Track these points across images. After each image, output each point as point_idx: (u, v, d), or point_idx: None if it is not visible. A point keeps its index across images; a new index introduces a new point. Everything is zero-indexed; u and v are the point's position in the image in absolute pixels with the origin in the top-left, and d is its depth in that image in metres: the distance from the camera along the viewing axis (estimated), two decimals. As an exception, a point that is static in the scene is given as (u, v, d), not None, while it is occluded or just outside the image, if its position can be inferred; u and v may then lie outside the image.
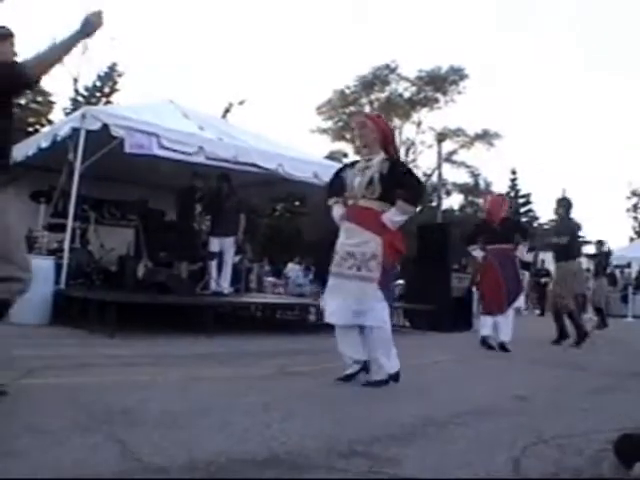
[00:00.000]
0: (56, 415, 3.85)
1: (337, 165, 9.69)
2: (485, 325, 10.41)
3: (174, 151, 10.59)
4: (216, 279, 12.52)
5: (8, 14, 38.19)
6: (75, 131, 10.25)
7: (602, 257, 19.61)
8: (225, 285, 12.64)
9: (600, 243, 19.69)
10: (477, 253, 10.64)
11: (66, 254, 10.21)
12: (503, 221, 10.61)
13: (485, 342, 10.27)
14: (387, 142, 6.10)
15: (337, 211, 6.19)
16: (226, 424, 3.88)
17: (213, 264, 12.52)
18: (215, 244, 12.65)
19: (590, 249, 20.53)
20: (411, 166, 54.27)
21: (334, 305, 5.88)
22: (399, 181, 5.88)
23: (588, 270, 19.61)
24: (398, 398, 5.32)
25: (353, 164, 6.27)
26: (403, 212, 5.84)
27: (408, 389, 5.82)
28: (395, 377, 5.85)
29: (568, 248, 11.89)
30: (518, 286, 10.74)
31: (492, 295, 10.32)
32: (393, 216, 5.80)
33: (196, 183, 12.60)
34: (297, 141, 61.41)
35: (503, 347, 10.06)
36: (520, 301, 11.84)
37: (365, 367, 5.96)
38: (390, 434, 3.90)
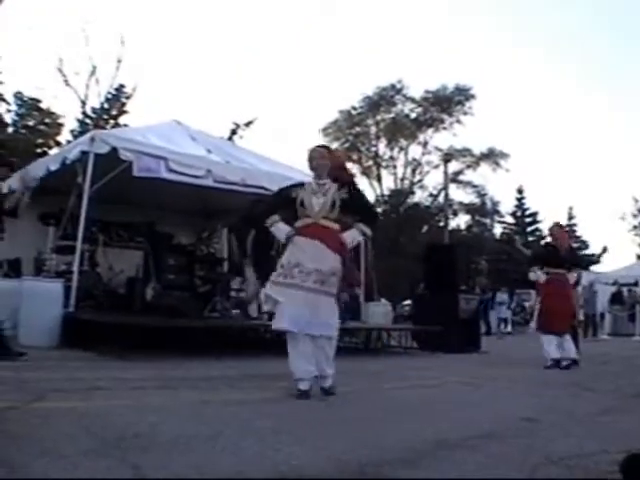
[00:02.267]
0: (69, 439, 3.88)
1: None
2: (551, 344, 10.87)
3: (182, 174, 10.67)
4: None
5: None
6: (84, 154, 10.34)
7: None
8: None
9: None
10: (537, 276, 11.26)
11: (75, 276, 10.23)
12: (570, 250, 11.68)
13: (558, 364, 10.67)
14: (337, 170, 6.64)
15: (283, 227, 6.58)
16: (237, 448, 3.90)
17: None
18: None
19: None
20: (417, 187, 54.56)
21: (291, 313, 6.16)
22: (357, 206, 6.62)
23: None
24: (407, 420, 5.34)
25: (302, 184, 6.76)
26: (363, 233, 6.59)
27: (417, 411, 5.86)
28: (332, 390, 6.41)
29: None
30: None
31: (557, 316, 10.90)
32: (356, 235, 6.56)
33: None
34: (302, 162, 61.05)
35: (575, 362, 10.82)
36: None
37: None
38: (400, 457, 3.92)
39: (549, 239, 11.80)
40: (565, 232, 12.12)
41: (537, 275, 11.13)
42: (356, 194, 6.64)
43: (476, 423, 5.32)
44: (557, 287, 10.97)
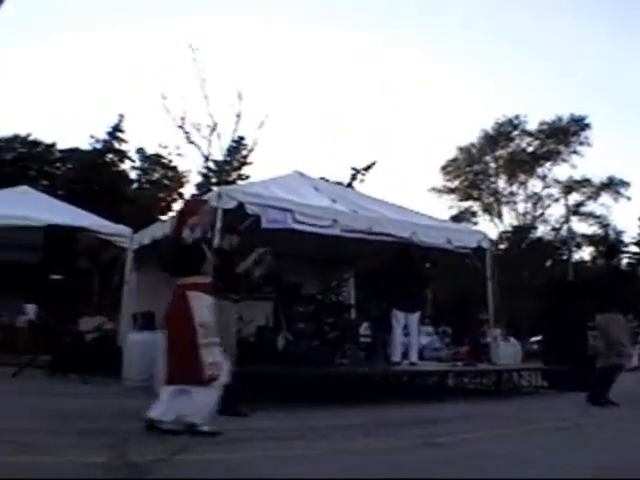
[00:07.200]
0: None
1: (468, 228, 9.71)
2: None
3: (309, 225, 10.89)
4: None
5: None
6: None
7: None
8: (414, 357, 12.77)
9: None
10: None
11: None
12: None
13: None
14: None
15: None
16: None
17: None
18: (399, 317, 12.89)
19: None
20: (538, 221, 53.86)
21: None
22: None
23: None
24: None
25: None
26: None
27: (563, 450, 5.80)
28: None
29: None
30: None
31: None
32: None
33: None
34: (421, 200, 61.10)
35: None
36: None
37: None
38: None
39: None
40: None
41: None
42: None
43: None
44: None
